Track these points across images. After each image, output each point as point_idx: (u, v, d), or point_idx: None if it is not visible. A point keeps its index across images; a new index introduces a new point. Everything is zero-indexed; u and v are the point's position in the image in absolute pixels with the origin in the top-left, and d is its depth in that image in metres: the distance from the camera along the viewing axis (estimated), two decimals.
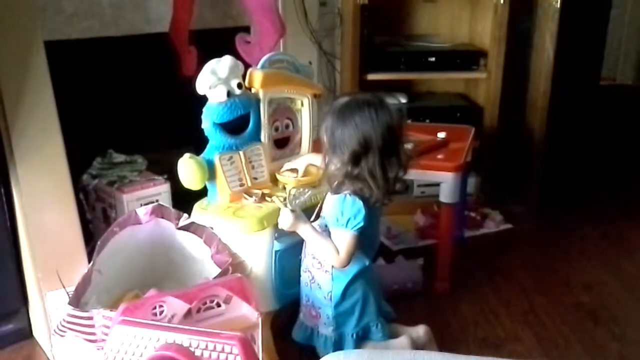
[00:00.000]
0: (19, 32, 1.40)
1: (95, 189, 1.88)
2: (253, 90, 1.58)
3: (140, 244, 1.52)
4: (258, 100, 1.57)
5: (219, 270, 1.38)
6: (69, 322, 1.24)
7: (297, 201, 1.52)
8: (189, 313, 1.26)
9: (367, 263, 1.45)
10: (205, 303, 1.28)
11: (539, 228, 2.45)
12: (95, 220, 1.92)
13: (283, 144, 1.71)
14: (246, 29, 2.09)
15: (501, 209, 2.51)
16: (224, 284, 1.29)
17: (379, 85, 2.40)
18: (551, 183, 2.63)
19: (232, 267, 1.40)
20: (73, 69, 1.80)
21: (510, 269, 2.09)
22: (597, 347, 1.66)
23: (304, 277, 1.50)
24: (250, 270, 1.48)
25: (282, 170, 1.65)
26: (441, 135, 2.01)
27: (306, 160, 1.63)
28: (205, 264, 1.47)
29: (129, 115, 2.08)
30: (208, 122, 1.50)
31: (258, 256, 1.49)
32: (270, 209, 1.49)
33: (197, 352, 1.05)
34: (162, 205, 1.55)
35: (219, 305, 1.29)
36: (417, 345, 1.48)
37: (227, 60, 1.51)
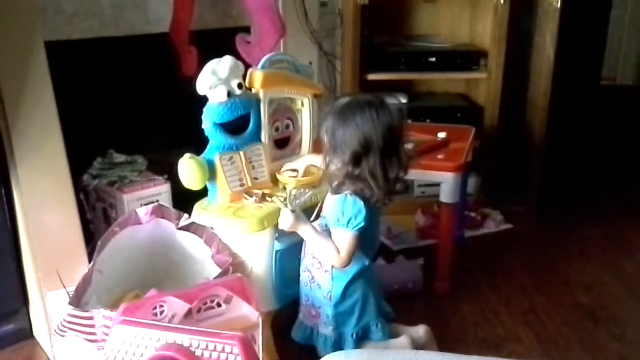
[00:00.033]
0: (19, 32, 1.40)
1: (95, 189, 1.88)
2: (253, 91, 1.58)
3: (141, 244, 1.52)
4: (258, 101, 1.57)
5: (219, 270, 1.38)
6: (69, 322, 1.24)
7: (298, 201, 1.52)
8: (189, 313, 1.26)
9: (366, 263, 1.45)
10: (206, 303, 1.28)
11: (539, 228, 2.45)
12: (96, 220, 1.92)
13: (283, 144, 1.71)
14: (246, 29, 2.09)
15: (501, 209, 2.51)
16: (225, 284, 1.29)
17: (380, 86, 2.40)
18: (551, 183, 2.63)
19: (233, 267, 1.40)
20: (73, 69, 1.80)
21: (511, 269, 2.09)
22: (597, 347, 1.66)
23: (304, 277, 1.50)
24: (250, 270, 1.48)
25: (282, 170, 1.65)
26: (441, 135, 2.01)
27: (306, 161, 1.64)
28: (205, 264, 1.47)
29: (130, 116, 2.08)
30: (208, 122, 1.50)
31: (258, 256, 1.49)
32: (271, 209, 1.50)
33: (198, 352, 1.05)
34: (163, 205, 1.55)
35: (219, 305, 1.29)
36: (417, 345, 1.48)
37: (227, 60, 1.51)
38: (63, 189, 1.53)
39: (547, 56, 2.38)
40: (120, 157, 1.96)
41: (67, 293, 1.33)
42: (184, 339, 1.07)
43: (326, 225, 1.42)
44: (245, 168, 1.56)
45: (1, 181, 1.52)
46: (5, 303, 1.64)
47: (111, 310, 1.20)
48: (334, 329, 1.47)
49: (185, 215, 1.53)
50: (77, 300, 1.29)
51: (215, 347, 1.06)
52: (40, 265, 1.53)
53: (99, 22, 1.99)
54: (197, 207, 1.56)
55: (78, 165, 1.72)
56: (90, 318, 1.22)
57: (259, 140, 1.61)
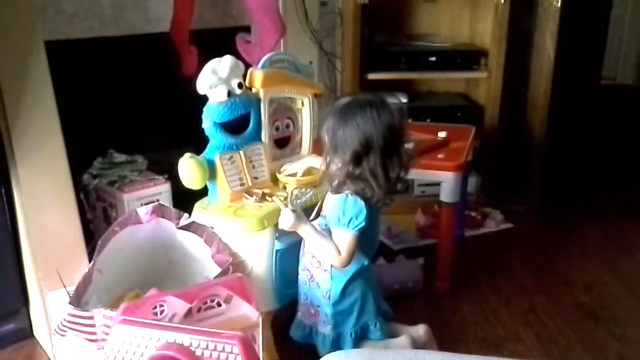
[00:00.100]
0: (19, 32, 1.40)
1: (95, 189, 1.88)
2: (253, 90, 1.58)
3: (141, 244, 1.52)
4: (258, 100, 1.57)
5: (219, 270, 1.38)
6: (69, 322, 1.24)
7: (299, 201, 1.52)
8: (189, 312, 1.26)
9: (365, 263, 1.45)
10: (206, 302, 1.28)
11: (539, 228, 2.45)
12: (96, 219, 1.92)
13: (283, 143, 1.71)
14: (247, 29, 2.09)
15: (501, 208, 2.51)
16: (225, 284, 1.29)
17: (380, 85, 2.40)
18: (551, 183, 2.63)
19: (233, 267, 1.40)
20: (73, 68, 1.80)
21: (511, 269, 2.09)
22: (598, 346, 1.66)
23: (303, 276, 1.50)
24: (250, 269, 1.48)
25: (281, 170, 1.65)
26: (442, 134, 2.01)
27: (306, 163, 1.64)
28: (205, 264, 1.47)
29: (130, 115, 2.08)
30: (208, 121, 1.50)
31: (258, 256, 1.49)
32: (271, 208, 1.50)
33: (198, 352, 1.05)
34: (163, 204, 1.56)
35: (219, 304, 1.29)
36: (417, 345, 1.48)
37: (227, 60, 1.51)
38: (63, 189, 1.53)
39: (547, 56, 2.38)
40: (120, 157, 1.96)
41: (68, 293, 1.33)
42: (184, 339, 1.07)
43: (326, 225, 1.42)
44: (245, 167, 1.56)
45: (1, 181, 1.52)
46: (5, 303, 1.64)
47: (111, 310, 1.20)
48: (333, 328, 1.47)
49: (186, 214, 1.53)
50: (78, 299, 1.29)
51: (215, 346, 1.06)
52: (41, 265, 1.53)
53: (99, 22, 1.98)
54: (198, 206, 1.56)
55: (78, 165, 1.71)
56: (91, 318, 1.22)
57: (259, 139, 1.61)
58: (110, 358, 1.10)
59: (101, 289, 1.39)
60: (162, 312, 1.22)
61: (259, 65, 1.57)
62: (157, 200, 1.74)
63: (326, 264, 1.43)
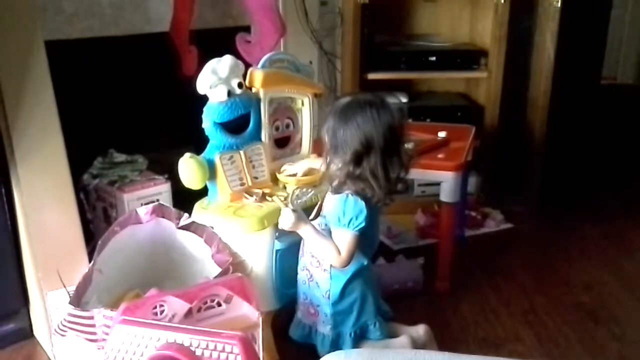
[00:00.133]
0: (19, 32, 1.40)
1: (95, 189, 1.88)
2: (253, 90, 1.58)
3: (141, 244, 1.52)
4: (258, 100, 1.57)
5: (219, 270, 1.38)
6: (69, 322, 1.24)
7: (299, 201, 1.52)
8: (189, 312, 1.26)
9: (365, 262, 1.45)
10: (206, 302, 1.28)
11: (540, 228, 2.45)
12: (96, 219, 1.92)
13: (283, 143, 1.71)
14: (247, 29, 2.09)
15: (501, 208, 2.51)
16: (225, 284, 1.29)
17: (380, 85, 2.40)
18: (551, 182, 2.63)
19: (233, 267, 1.40)
20: (73, 68, 1.80)
21: (511, 269, 2.09)
22: (598, 346, 1.66)
23: (302, 275, 1.50)
24: (250, 269, 1.48)
25: (281, 170, 1.65)
26: (442, 134, 2.01)
27: (306, 164, 1.64)
28: (205, 264, 1.47)
29: (130, 115, 2.08)
30: (208, 121, 1.50)
31: (258, 255, 1.49)
32: (271, 208, 1.50)
33: (198, 352, 1.05)
34: (163, 204, 1.56)
35: (219, 304, 1.29)
36: (417, 345, 1.48)
37: (227, 59, 1.51)
38: (63, 189, 1.53)
39: (547, 55, 2.38)
40: (120, 157, 1.96)
41: (68, 293, 1.33)
42: (184, 339, 1.07)
43: (326, 225, 1.42)
44: (245, 167, 1.56)
45: (1, 181, 1.52)
46: (5, 303, 1.64)
47: (111, 310, 1.20)
48: (333, 328, 1.47)
49: (186, 214, 1.53)
50: (78, 299, 1.29)
51: (215, 346, 1.06)
52: (41, 265, 1.53)
53: (99, 22, 1.98)
54: (198, 206, 1.56)
55: (78, 165, 1.71)
56: (91, 318, 1.22)
57: (259, 139, 1.61)
58: (110, 358, 1.10)
59: (101, 289, 1.39)
60: (162, 312, 1.22)
61: (259, 65, 1.57)
62: (157, 200, 1.74)
63: (325, 263, 1.43)
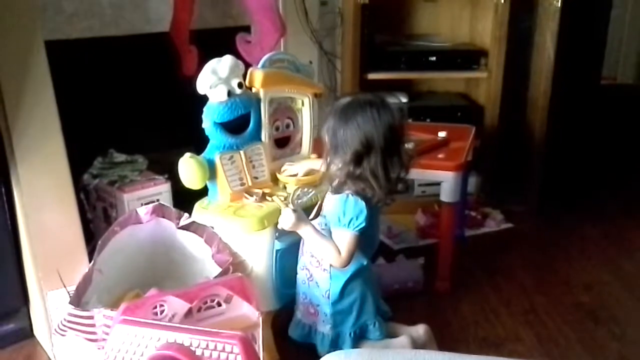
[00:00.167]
0: (19, 32, 1.40)
1: (96, 189, 1.88)
2: (254, 90, 1.58)
3: (141, 244, 1.52)
4: (259, 100, 1.57)
5: (219, 270, 1.38)
6: (69, 322, 1.24)
7: (300, 201, 1.52)
8: (189, 312, 1.26)
9: (365, 262, 1.45)
10: (206, 302, 1.28)
11: (540, 227, 2.45)
12: (96, 219, 1.92)
13: (284, 143, 1.71)
14: (247, 29, 2.09)
15: (502, 208, 2.51)
16: (225, 284, 1.29)
17: (380, 85, 2.40)
18: (551, 182, 2.63)
19: (233, 267, 1.40)
20: (73, 68, 1.80)
21: (511, 269, 2.09)
22: (598, 346, 1.66)
23: (302, 275, 1.50)
24: (250, 269, 1.48)
25: (282, 170, 1.65)
26: (442, 134, 2.01)
27: (306, 166, 1.63)
28: (205, 264, 1.47)
29: (130, 115, 2.08)
30: (209, 121, 1.50)
31: (259, 255, 1.49)
32: (271, 208, 1.50)
33: (198, 352, 1.05)
34: (163, 204, 1.55)
35: (219, 304, 1.29)
36: (417, 345, 1.48)
37: (227, 59, 1.51)
38: (63, 189, 1.53)
39: (547, 55, 2.38)
40: (120, 157, 1.96)
41: (68, 292, 1.33)
42: (184, 339, 1.07)
43: (326, 225, 1.42)
44: (245, 167, 1.56)
45: (1, 180, 1.52)
46: (5, 302, 1.64)
47: (111, 310, 1.20)
48: (332, 328, 1.47)
49: (186, 214, 1.53)
50: (78, 299, 1.29)
51: (215, 346, 1.06)
52: (41, 265, 1.53)
53: (99, 22, 1.98)
54: (198, 206, 1.56)
55: (78, 165, 1.71)
56: (91, 317, 1.22)
57: (259, 139, 1.61)
58: (110, 358, 1.10)
59: (101, 288, 1.39)
60: (162, 312, 1.22)
61: (259, 65, 1.57)
62: (157, 200, 1.74)
63: (325, 263, 1.43)
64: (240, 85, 1.53)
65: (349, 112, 1.35)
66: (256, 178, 1.59)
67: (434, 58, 2.47)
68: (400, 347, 1.45)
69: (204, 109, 1.51)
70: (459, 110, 2.54)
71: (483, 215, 2.45)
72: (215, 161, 1.51)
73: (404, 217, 2.39)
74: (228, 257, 1.43)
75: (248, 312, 1.28)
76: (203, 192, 1.56)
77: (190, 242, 1.52)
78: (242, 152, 1.55)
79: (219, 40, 1.88)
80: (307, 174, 1.62)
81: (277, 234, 1.48)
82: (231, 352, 1.05)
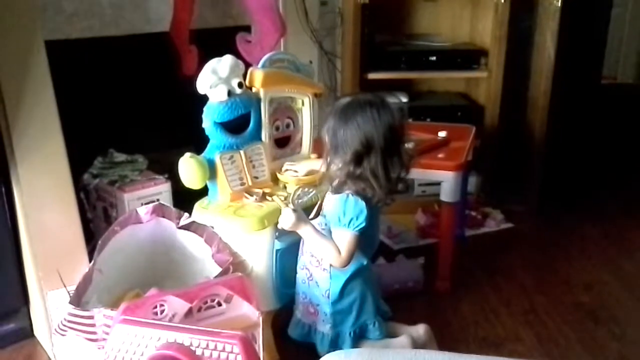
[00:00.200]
0: (19, 32, 1.40)
1: (96, 188, 1.88)
2: (254, 90, 1.58)
3: (141, 243, 1.52)
4: (259, 100, 1.57)
5: (219, 270, 1.38)
6: (69, 322, 1.24)
7: (300, 201, 1.52)
8: (189, 312, 1.26)
9: (365, 262, 1.45)
10: (206, 302, 1.28)
11: (540, 227, 2.45)
12: (96, 219, 1.92)
13: (284, 143, 1.71)
14: (247, 29, 2.09)
15: (502, 208, 2.51)
16: (225, 283, 1.29)
17: (380, 85, 2.40)
18: (551, 182, 2.63)
19: (233, 266, 1.40)
20: (73, 68, 1.80)
21: (511, 268, 2.09)
22: (598, 346, 1.66)
23: (301, 275, 1.50)
24: (251, 269, 1.48)
25: (283, 170, 1.65)
26: (442, 134, 2.01)
27: (307, 166, 1.63)
28: (206, 263, 1.47)
29: (130, 115, 2.08)
30: (209, 121, 1.50)
31: (259, 255, 1.49)
32: (271, 208, 1.50)
33: (198, 352, 1.05)
34: (163, 204, 1.56)
35: (219, 304, 1.29)
36: (417, 345, 1.48)
37: (227, 59, 1.51)
38: (63, 188, 1.53)
39: (547, 55, 2.38)
40: (120, 157, 1.96)
41: (68, 292, 1.33)
42: (184, 338, 1.07)
43: (326, 224, 1.42)
44: (245, 167, 1.56)
45: (1, 180, 1.52)
46: (5, 302, 1.64)
47: (112, 310, 1.20)
48: (332, 327, 1.47)
49: (186, 214, 1.53)
50: (78, 299, 1.29)
51: (215, 346, 1.06)
52: (41, 265, 1.53)
53: (99, 22, 1.98)
54: (198, 206, 1.56)
55: (78, 165, 1.71)
56: (91, 317, 1.22)
57: (260, 139, 1.61)
58: (111, 358, 1.10)
59: (101, 288, 1.39)
60: (162, 311, 1.22)
61: (259, 65, 1.57)
62: (158, 200, 1.74)
63: (325, 262, 1.43)
64: (240, 85, 1.53)
65: (349, 112, 1.35)
66: (256, 178, 1.59)
67: (434, 58, 2.47)
68: (400, 347, 1.45)
69: (204, 109, 1.51)
70: (459, 110, 2.54)
71: (483, 215, 2.45)
72: (216, 161, 1.51)
73: (404, 217, 2.39)
74: (228, 256, 1.43)
75: (248, 311, 1.28)
76: (203, 192, 1.56)
77: (191, 242, 1.52)
78: (242, 151, 1.55)
79: (219, 40, 1.88)
80: (307, 174, 1.62)
81: (277, 234, 1.48)
82: (231, 352, 1.05)
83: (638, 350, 1.65)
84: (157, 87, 2.09)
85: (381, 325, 1.50)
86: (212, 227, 1.50)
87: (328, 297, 1.45)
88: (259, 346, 1.20)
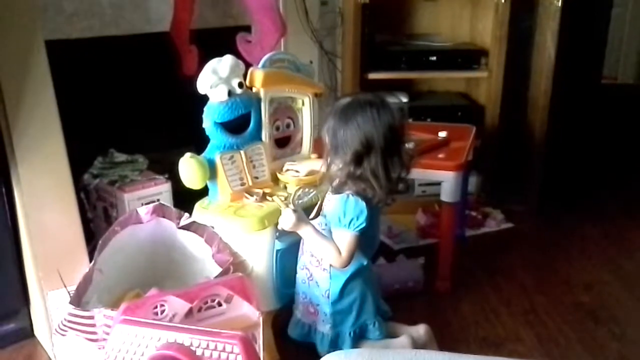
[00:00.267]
0: (20, 32, 1.40)
1: (96, 188, 1.88)
2: (254, 90, 1.58)
3: (142, 243, 1.52)
4: (259, 100, 1.57)
5: (220, 270, 1.38)
6: (70, 322, 1.24)
7: (300, 201, 1.52)
8: (190, 312, 1.26)
9: (365, 262, 1.45)
10: (206, 302, 1.28)
11: (540, 227, 2.45)
12: (97, 219, 1.92)
13: (284, 143, 1.71)
14: (247, 28, 2.09)
15: (502, 208, 2.51)
16: (225, 283, 1.29)
17: (380, 85, 2.40)
18: (552, 182, 2.63)
19: (233, 267, 1.40)
20: (73, 68, 1.80)
21: (511, 268, 2.09)
22: (598, 346, 1.66)
23: (302, 275, 1.50)
24: (251, 269, 1.48)
25: (284, 170, 1.65)
26: (442, 134, 2.01)
27: (307, 167, 1.63)
28: (206, 263, 1.47)
29: (130, 115, 2.08)
30: (209, 121, 1.50)
31: (259, 255, 1.49)
32: (271, 208, 1.50)
33: (198, 352, 1.05)
34: (163, 204, 1.56)
35: (220, 304, 1.29)
36: (417, 345, 1.48)
37: (228, 59, 1.51)
38: (64, 188, 1.54)
39: (547, 55, 2.37)
40: (121, 157, 1.96)
41: (68, 292, 1.33)
42: (184, 339, 1.07)
43: (326, 225, 1.42)
44: (245, 167, 1.56)
45: (2, 180, 1.52)
46: (6, 302, 1.64)
47: (112, 310, 1.20)
48: (332, 327, 1.47)
49: (186, 214, 1.53)
50: (78, 299, 1.29)
51: (216, 346, 1.06)
52: (41, 265, 1.53)
53: (99, 22, 1.98)
54: (198, 206, 1.56)
55: (79, 165, 1.71)
56: (91, 317, 1.22)
57: (260, 139, 1.61)
58: (111, 358, 1.10)
59: (102, 288, 1.39)
60: (162, 311, 1.22)
61: (260, 65, 1.57)
62: (158, 200, 1.74)
63: (325, 262, 1.43)
64: (240, 85, 1.53)
65: (349, 112, 1.35)
66: (256, 178, 1.59)
67: (434, 58, 2.47)
68: (400, 347, 1.45)
69: (205, 109, 1.51)
70: (460, 110, 2.54)
71: (483, 215, 2.45)
72: (216, 161, 1.51)
73: (405, 217, 2.39)
74: (228, 257, 1.43)
75: (248, 312, 1.28)
76: (203, 192, 1.56)
77: (191, 242, 1.52)
78: (242, 151, 1.55)
79: (219, 40, 1.88)
80: (308, 174, 1.62)
81: (277, 234, 1.48)
82: (231, 352, 1.05)
83: (638, 350, 1.65)
84: (157, 87, 2.09)
85: (381, 326, 1.50)
86: (213, 227, 1.50)
87: (328, 297, 1.45)
88: (259, 346, 1.20)
